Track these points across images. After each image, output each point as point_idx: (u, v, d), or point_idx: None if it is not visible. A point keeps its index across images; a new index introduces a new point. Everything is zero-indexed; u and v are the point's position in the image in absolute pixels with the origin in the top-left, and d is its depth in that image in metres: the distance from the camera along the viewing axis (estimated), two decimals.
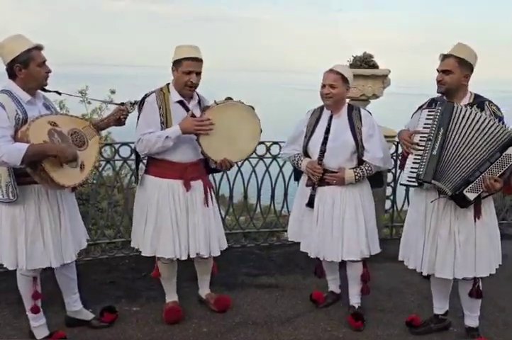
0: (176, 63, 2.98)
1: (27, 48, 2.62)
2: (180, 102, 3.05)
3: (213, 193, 3.25)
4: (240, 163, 4.14)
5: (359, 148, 3.11)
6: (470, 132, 2.69)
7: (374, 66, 4.57)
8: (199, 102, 3.13)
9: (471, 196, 2.69)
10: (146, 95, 3.06)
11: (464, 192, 2.69)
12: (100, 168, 4.35)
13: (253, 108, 3.08)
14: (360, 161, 3.16)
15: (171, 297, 3.38)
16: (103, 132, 6.60)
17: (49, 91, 2.82)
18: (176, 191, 3.06)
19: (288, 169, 4.59)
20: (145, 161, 3.28)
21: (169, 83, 3.09)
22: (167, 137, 2.93)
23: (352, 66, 4.49)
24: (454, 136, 2.72)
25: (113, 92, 7.26)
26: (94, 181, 4.79)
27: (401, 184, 3.05)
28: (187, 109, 3.05)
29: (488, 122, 2.67)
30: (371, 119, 3.18)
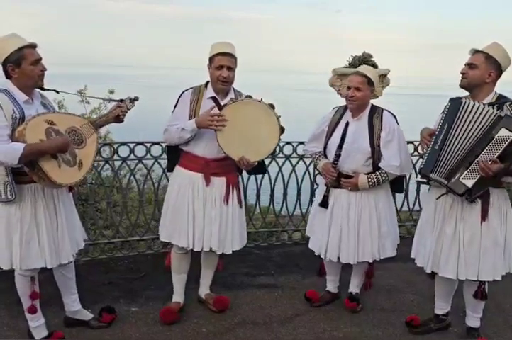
0: (210, 60, 3.05)
1: (17, 47, 2.59)
2: (213, 98, 3.09)
3: (237, 192, 3.22)
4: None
5: (376, 154, 3.10)
6: (473, 126, 2.65)
7: (374, 65, 4.58)
8: (234, 99, 3.13)
9: (469, 183, 2.64)
10: (184, 91, 3.16)
11: (461, 179, 2.66)
12: (99, 169, 4.35)
13: (273, 107, 3.01)
14: (376, 167, 3.14)
15: (177, 297, 3.38)
16: (103, 132, 6.62)
17: (47, 90, 2.80)
18: (196, 184, 3.11)
19: (287, 169, 4.59)
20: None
21: (208, 81, 3.15)
22: (182, 128, 3.01)
23: (351, 65, 4.49)
24: (457, 130, 2.69)
25: (111, 92, 7.25)
26: (93, 181, 4.78)
27: (415, 181, 3.04)
28: (219, 105, 3.07)
29: (483, 109, 2.62)
30: (392, 123, 3.14)
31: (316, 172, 4.41)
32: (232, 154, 3.03)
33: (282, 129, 3.03)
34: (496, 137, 2.59)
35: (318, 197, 3.33)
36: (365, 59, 4.50)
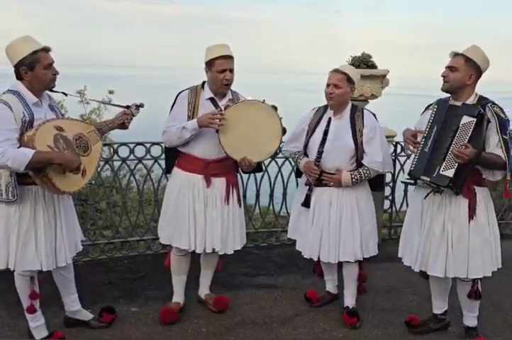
0: (209, 63, 3.05)
1: (32, 50, 2.60)
2: (211, 99, 3.10)
3: (236, 192, 3.23)
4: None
5: (359, 151, 3.11)
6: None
7: (373, 66, 4.57)
8: (231, 100, 3.15)
9: (450, 173, 2.69)
10: (181, 91, 3.17)
11: (441, 172, 2.71)
12: (99, 169, 4.35)
13: (275, 108, 3.03)
14: (359, 164, 3.15)
15: (176, 297, 3.39)
16: None
17: (56, 92, 2.81)
18: (196, 185, 3.12)
19: (287, 169, 4.59)
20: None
21: (205, 81, 3.15)
22: (183, 127, 3.00)
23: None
24: (446, 133, 2.75)
25: (111, 92, 7.25)
26: (93, 182, 4.79)
27: (401, 182, 3.07)
28: (217, 106, 3.09)
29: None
30: (373, 121, 3.17)
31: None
32: (234, 155, 3.04)
33: (284, 131, 3.04)
34: (460, 125, 2.69)
35: (299, 196, 3.32)
36: (364, 60, 4.49)
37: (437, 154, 2.74)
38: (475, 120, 2.66)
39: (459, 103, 2.75)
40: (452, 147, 2.69)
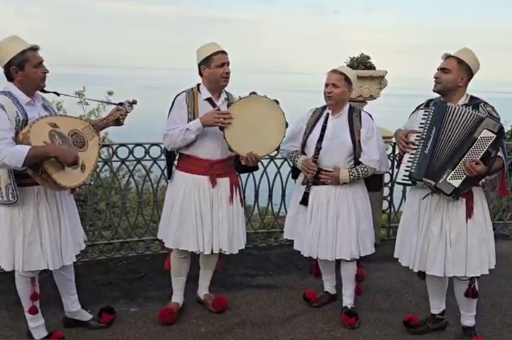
0: (206, 61, 3.07)
1: (21, 50, 2.62)
2: (208, 99, 3.13)
3: (239, 191, 3.26)
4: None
5: (356, 149, 3.13)
6: (459, 129, 2.75)
7: (371, 67, 4.59)
8: (227, 99, 3.18)
9: (456, 183, 2.72)
10: (177, 95, 3.18)
11: (448, 180, 2.74)
12: (98, 170, 4.36)
13: (277, 102, 3.07)
14: (357, 162, 3.17)
15: (176, 297, 3.40)
16: (101, 133, 6.62)
17: (48, 92, 2.82)
18: (201, 187, 3.12)
19: (286, 170, 4.60)
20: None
21: (199, 84, 3.17)
22: (187, 129, 3.01)
23: (349, 67, 4.50)
24: (445, 134, 2.77)
25: (110, 93, 7.26)
26: (92, 182, 4.80)
27: (396, 183, 3.08)
28: (215, 106, 3.11)
29: (466, 112, 2.73)
30: (370, 121, 3.20)
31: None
32: (240, 151, 3.06)
33: (287, 125, 3.08)
34: (478, 138, 2.71)
35: (296, 196, 3.33)
36: (363, 61, 4.50)
37: (445, 159, 2.75)
38: (495, 136, 2.68)
39: (483, 115, 2.73)
40: (465, 158, 2.71)
